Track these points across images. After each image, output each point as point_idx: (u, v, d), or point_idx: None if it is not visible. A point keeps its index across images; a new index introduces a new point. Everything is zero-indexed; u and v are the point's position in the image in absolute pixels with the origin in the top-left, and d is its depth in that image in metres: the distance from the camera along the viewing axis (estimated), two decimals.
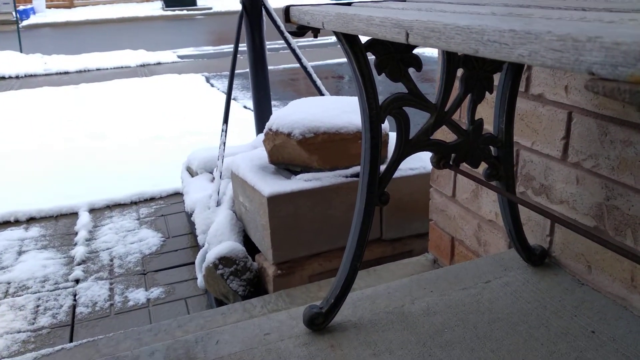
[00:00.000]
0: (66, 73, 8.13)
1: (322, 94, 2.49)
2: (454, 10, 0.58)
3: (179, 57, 9.10)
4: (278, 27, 2.46)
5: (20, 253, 2.35)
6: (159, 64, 8.50)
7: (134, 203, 2.83)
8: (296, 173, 1.81)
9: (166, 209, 2.75)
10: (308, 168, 1.78)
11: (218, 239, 1.91)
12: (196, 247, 2.34)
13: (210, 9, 17.04)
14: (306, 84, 6.23)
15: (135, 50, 9.45)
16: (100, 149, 3.76)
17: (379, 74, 0.90)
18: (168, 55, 8.90)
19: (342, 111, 1.83)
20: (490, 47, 0.37)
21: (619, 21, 0.42)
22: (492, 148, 1.05)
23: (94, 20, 15.79)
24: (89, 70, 8.23)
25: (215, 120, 4.47)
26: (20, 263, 2.26)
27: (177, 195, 2.90)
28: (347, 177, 1.73)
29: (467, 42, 0.40)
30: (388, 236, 1.83)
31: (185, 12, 16.61)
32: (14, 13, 12.42)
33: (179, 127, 4.28)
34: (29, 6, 16.96)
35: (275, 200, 1.63)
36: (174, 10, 16.61)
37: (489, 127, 1.20)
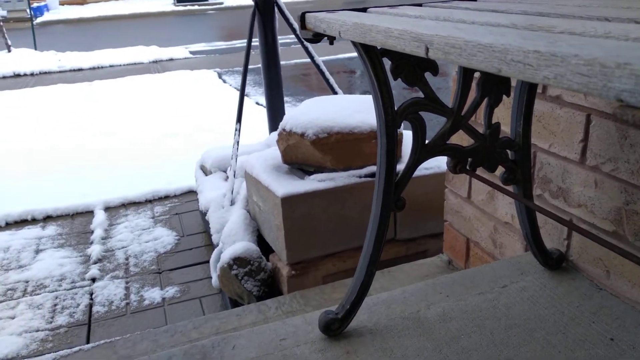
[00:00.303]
0: (80, 70, 8.19)
1: (334, 92, 2.49)
2: (473, 21, 0.57)
3: (191, 52, 9.12)
4: (291, 25, 2.45)
5: (37, 251, 2.38)
6: (171, 60, 8.53)
7: (149, 201, 2.85)
8: (310, 173, 1.81)
9: (180, 207, 2.76)
10: (322, 168, 1.78)
11: (232, 239, 1.91)
12: (210, 245, 2.35)
13: (222, 3, 17.05)
14: (318, 79, 6.22)
15: (148, 46, 9.50)
16: (113, 146, 3.79)
17: (395, 79, 0.89)
18: (180, 51, 8.93)
19: (355, 110, 1.82)
20: (514, 68, 0.37)
21: None
22: (509, 152, 1.04)
23: (107, 17, 15.88)
24: (102, 67, 8.29)
25: (227, 117, 4.48)
26: (37, 262, 2.29)
27: (191, 193, 2.91)
28: (360, 177, 1.73)
29: (490, 60, 0.39)
30: (402, 236, 1.82)
31: (196, 7, 16.64)
32: (28, 10, 12.54)
33: (192, 124, 4.29)
34: (42, 3, 17.09)
35: (289, 201, 1.63)
36: (185, 6, 16.65)
37: (505, 128, 1.18)
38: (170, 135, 4.02)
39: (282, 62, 2.60)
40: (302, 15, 0.78)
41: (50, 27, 15.03)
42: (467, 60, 0.43)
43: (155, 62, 8.46)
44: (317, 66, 2.47)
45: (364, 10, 0.80)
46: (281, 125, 1.83)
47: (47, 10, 17.15)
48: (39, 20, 15.68)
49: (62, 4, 18.75)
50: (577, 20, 0.56)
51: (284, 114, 2.65)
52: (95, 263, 2.27)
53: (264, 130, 3.31)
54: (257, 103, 5.12)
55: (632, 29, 0.45)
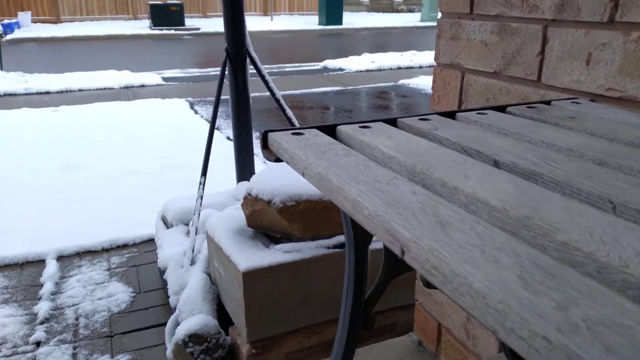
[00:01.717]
0: (47, 93, 7.96)
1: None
2: (455, 213, 0.47)
3: (164, 79, 8.99)
4: (263, 77, 2.37)
5: None
6: (143, 86, 8.39)
7: (106, 250, 2.70)
8: (275, 239, 1.71)
9: (139, 258, 2.61)
10: (288, 235, 1.68)
11: (190, 307, 1.79)
12: (167, 305, 2.21)
13: (198, 29, 17.02)
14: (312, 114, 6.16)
15: (120, 70, 9.34)
16: (73, 184, 3.62)
17: None
18: (153, 78, 8.79)
19: None
20: (515, 342, 0.28)
21: None
22: None
23: (80, 37, 15.65)
24: (70, 91, 8.08)
25: (196, 153, 4.36)
26: None
27: (151, 242, 2.76)
28: (329, 247, 1.63)
29: (484, 315, 0.31)
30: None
31: (172, 31, 16.55)
32: None
33: (159, 160, 4.15)
34: (14, 20, 16.76)
35: (251, 276, 1.52)
36: (161, 30, 16.54)
37: None
38: (135, 172, 3.87)
39: (255, 94, 2.49)
40: (263, 134, 0.68)
41: (20, 45, 14.70)
42: (454, 296, 0.35)
43: (126, 87, 8.30)
44: (277, 101, 2.38)
45: (333, 129, 0.72)
46: (247, 188, 1.73)
47: (18, 27, 16.81)
48: (8, 37, 15.34)
49: (34, 21, 18.44)
50: (577, 201, 0.48)
51: (253, 168, 2.55)
52: (41, 323, 2.10)
53: (232, 171, 3.21)
54: (229, 138, 5.02)
55: None
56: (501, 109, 0.88)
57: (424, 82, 8.29)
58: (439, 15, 1.25)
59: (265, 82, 2.37)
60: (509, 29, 1.07)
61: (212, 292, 1.84)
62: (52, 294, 2.29)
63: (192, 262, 2.08)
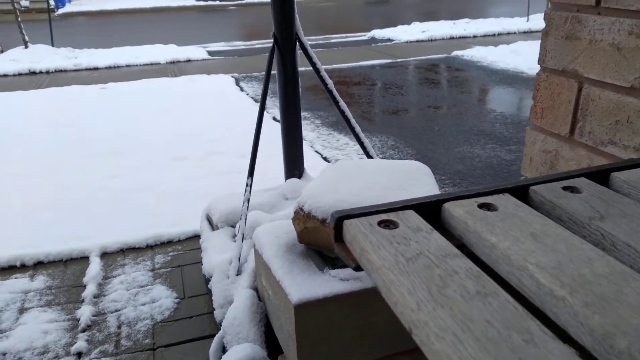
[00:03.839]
0: (96, 69, 7.99)
1: (368, 154, 2.17)
2: None
3: (209, 53, 8.86)
4: (314, 65, 2.15)
5: (22, 311, 2.13)
6: (188, 61, 8.29)
7: (150, 247, 2.59)
8: (330, 260, 1.51)
9: (184, 257, 2.49)
10: None
11: (235, 330, 1.63)
12: (212, 314, 2.08)
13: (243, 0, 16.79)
14: (338, 91, 5.91)
15: (166, 44, 9.27)
16: (117, 172, 3.53)
17: None
18: (198, 52, 8.67)
19: (384, 187, 1.52)
20: None
21: None
22: None
23: (128, 9, 15.71)
24: (118, 67, 8.08)
25: (241, 137, 4.21)
26: (20, 326, 2.03)
27: (196, 238, 2.64)
28: None
29: None
30: None
31: (217, 2, 16.38)
32: (50, 1, 12.40)
33: (204, 145, 4.02)
34: None
35: (304, 308, 1.34)
36: (206, 1, 16.40)
37: None
38: (180, 159, 3.75)
39: (300, 69, 2.23)
40: (337, 222, 0.47)
41: (71, 19, 14.91)
42: None
43: (172, 62, 8.23)
44: (353, 129, 2.15)
45: (438, 207, 0.50)
46: (298, 202, 1.53)
47: (69, 1, 17.04)
48: (60, 11, 15.57)
49: None
50: None
51: (302, 162, 2.36)
52: (83, 331, 2.00)
53: (278, 157, 3.03)
54: (275, 119, 4.84)
55: None
56: None
57: (479, 54, 7.82)
58: (548, 5, 1.00)
59: (317, 71, 2.15)
60: None
61: (260, 313, 1.68)
62: (94, 297, 2.20)
63: (239, 272, 1.93)
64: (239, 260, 1.94)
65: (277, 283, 1.46)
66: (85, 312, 2.09)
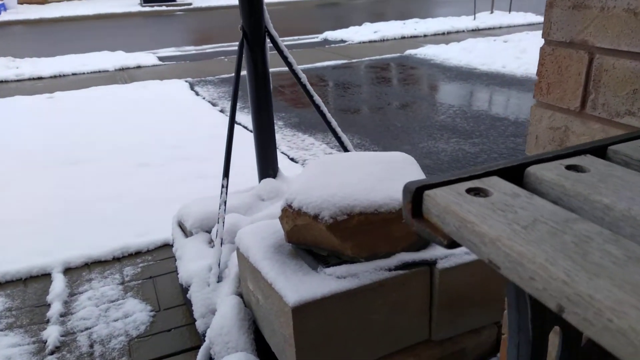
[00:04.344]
0: (40, 79, 7.61)
1: (346, 151, 2.11)
2: None
3: (160, 58, 8.62)
4: (286, 59, 2.08)
5: None
6: (138, 67, 8.02)
7: (117, 259, 2.44)
8: (322, 258, 1.44)
9: (155, 268, 2.35)
10: (337, 254, 1.42)
11: (224, 339, 1.53)
12: (192, 325, 1.97)
13: (190, 4, 16.49)
14: (296, 92, 5.84)
15: (113, 52, 8.96)
16: (76, 182, 3.34)
17: None
18: (148, 58, 8.41)
19: (377, 179, 1.46)
20: None
21: None
22: None
23: (69, 17, 15.14)
24: (64, 75, 7.73)
25: (203, 140, 4.08)
26: None
27: (167, 247, 2.51)
28: (391, 269, 1.37)
29: None
30: (438, 337, 1.47)
31: (164, 7, 16.03)
32: None
33: (166, 151, 3.87)
34: None
35: (302, 311, 1.26)
36: (152, 6, 16.02)
37: None
38: (142, 165, 3.59)
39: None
40: (415, 192, 0.40)
41: (8, 28, 14.21)
42: None
43: (121, 69, 7.94)
44: (328, 123, 2.08)
45: (521, 171, 0.44)
46: (287, 199, 1.45)
47: (5, 9, 16.27)
48: None
49: (21, 2, 17.85)
50: None
51: (276, 160, 2.28)
52: (52, 353, 1.85)
53: (247, 159, 2.94)
54: (238, 123, 4.72)
55: None
56: None
57: (432, 52, 7.93)
58: None
59: (289, 65, 2.08)
60: None
61: (248, 320, 1.59)
62: (61, 316, 2.05)
63: (219, 279, 1.83)
64: (219, 266, 1.84)
65: (268, 286, 1.38)
66: (52, 333, 1.93)
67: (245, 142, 3.73)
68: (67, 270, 2.36)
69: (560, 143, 0.99)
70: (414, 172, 1.54)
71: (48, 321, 2.02)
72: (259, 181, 2.31)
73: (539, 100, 1.03)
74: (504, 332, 1.26)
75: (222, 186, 1.94)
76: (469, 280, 1.44)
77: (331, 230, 1.35)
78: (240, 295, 1.70)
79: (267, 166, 2.27)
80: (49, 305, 2.12)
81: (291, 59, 2.08)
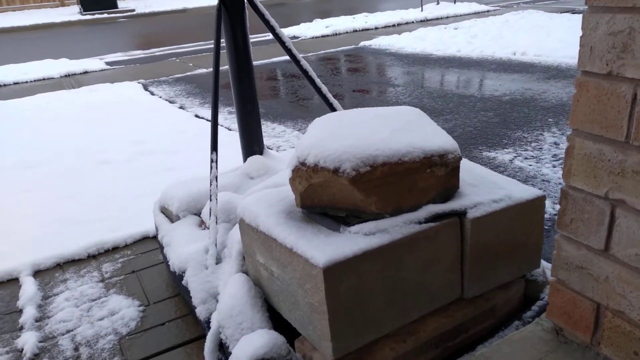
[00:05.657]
0: None
1: (332, 109, 1.99)
2: None
3: (108, 64, 8.25)
4: (268, 23, 1.93)
5: None
6: (86, 72, 7.65)
7: (92, 257, 2.22)
8: (341, 220, 1.31)
9: (137, 262, 2.16)
10: (359, 212, 1.29)
11: (236, 320, 1.37)
12: (188, 315, 1.79)
13: (133, 10, 16.00)
14: (259, 87, 5.68)
15: (57, 59, 8.51)
16: (36, 181, 3.08)
17: None
18: (95, 63, 8.04)
19: (393, 129, 1.34)
20: None
21: None
22: None
23: (4, 29, 14.37)
24: (5, 85, 7.27)
25: (167, 135, 3.87)
26: None
27: (147, 240, 2.31)
28: (421, 222, 1.25)
29: None
30: (470, 294, 1.37)
31: (105, 15, 15.48)
32: None
33: (128, 147, 3.63)
34: None
35: (334, 272, 1.12)
36: (93, 14, 15.44)
37: None
38: (105, 163, 3.35)
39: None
40: None
41: None
42: None
43: (67, 75, 7.55)
44: (312, 81, 1.95)
45: None
46: (298, 156, 1.31)
47: None
48: None
49: None
50: None
51: (261, 136, 2.13)
52: None
53: (230, 159, 2.77)
54: (197, 116, 4.51)
55: None
56: None
57: (386, 42, 7.94)
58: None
59: (272, 29, 1.94)
60: None
61: (260, 297, 1.44)
62: (37, 321, 1.83)
63: (218, 260, 1.66)
64: (216, 246, 1.67)
65: (288, 252, 1.23)
66: (28, 340, 1.71)
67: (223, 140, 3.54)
68: (37, 273, 2.12)
69: (623, 49, 0.90)
70: (427, 122, 1.43)
71: (22, 328, 1.80)
72: (244, 160, 2.16)
73: (592, 5, 0.93)
74: (555, 275, 1.17)
75: (212, 160, 1.78)
76: (498, 230, 1.34)
77: (354, 184, 1.22)
78: (246, 273, 1.54)
79: (252, 142, 2.12)
80: (20, 311, 1.89)
81: (274, 22, 1.94)
